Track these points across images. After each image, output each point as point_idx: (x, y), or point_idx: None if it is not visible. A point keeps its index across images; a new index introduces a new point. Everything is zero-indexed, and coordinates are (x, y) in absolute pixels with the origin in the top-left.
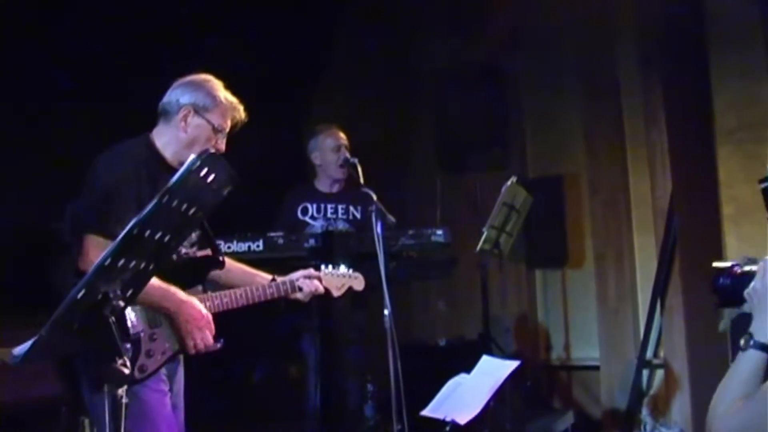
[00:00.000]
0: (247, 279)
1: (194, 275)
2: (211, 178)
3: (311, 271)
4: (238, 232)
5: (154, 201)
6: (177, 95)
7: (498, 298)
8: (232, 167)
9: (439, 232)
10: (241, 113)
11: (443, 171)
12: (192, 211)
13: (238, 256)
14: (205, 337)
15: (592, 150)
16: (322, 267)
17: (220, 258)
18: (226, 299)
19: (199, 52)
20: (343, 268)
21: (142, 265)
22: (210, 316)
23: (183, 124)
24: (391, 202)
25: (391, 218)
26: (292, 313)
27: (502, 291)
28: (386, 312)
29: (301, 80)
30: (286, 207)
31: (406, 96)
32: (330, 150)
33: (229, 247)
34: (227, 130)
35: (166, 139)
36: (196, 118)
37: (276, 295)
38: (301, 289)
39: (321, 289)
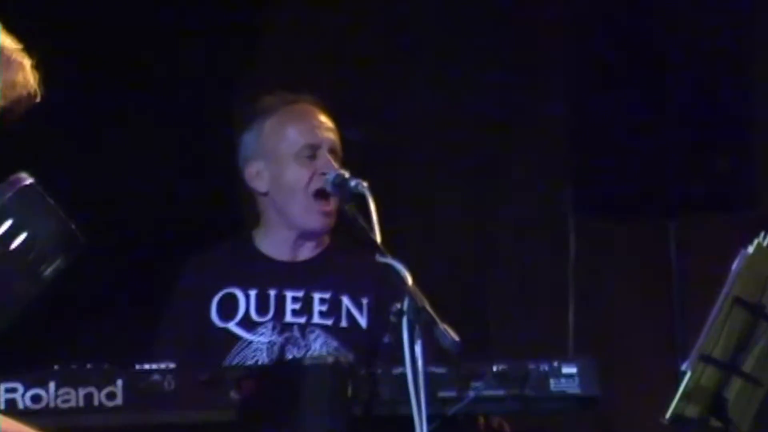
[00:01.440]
0: None
1: None
2: (17, 243)
3: None
4: (61, 363)
5: None
6: None
7: None
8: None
9: (571, 369)
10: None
11: (579, 212)
12: None
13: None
14: None
15: None
16: None
17: None
18: None
19: None
20: None
21: None
22: None
23: None
24: (444, 288)
25: (448, 333)
26: None
27: None
28: None
29: None
30: (180, 298)
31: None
32: (292, 156)
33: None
34: None
35: None
36: None
37: None
38: None
39: None
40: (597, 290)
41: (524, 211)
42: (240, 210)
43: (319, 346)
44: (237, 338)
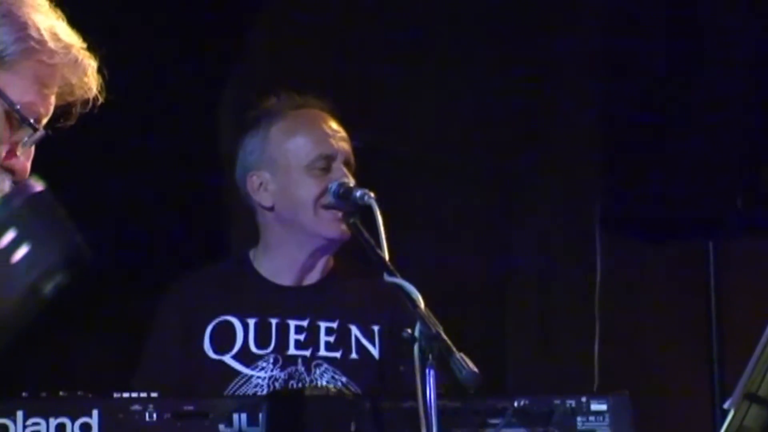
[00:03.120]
0: None
1: None
2: (19, 256)
3: None
4: (29, 390)
5: None
6: None
7: None
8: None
9: (602, 406)
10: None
11: (607, 230)
12: None
13: None
14: None
15: None
16: None
17: None
18: None
19: None
20: None
21: None
22: None
23: None
24: (457, 311)
25: (465, 362)
26: None
27: None
28: None
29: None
30: (165, 325)
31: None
32: (304, 168)
33: None
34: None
35: None
36: None
37: None
38: None
39: None
40: (626, 317)
41: (548, 228)
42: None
43: (325, 382)
44: (234, 373)
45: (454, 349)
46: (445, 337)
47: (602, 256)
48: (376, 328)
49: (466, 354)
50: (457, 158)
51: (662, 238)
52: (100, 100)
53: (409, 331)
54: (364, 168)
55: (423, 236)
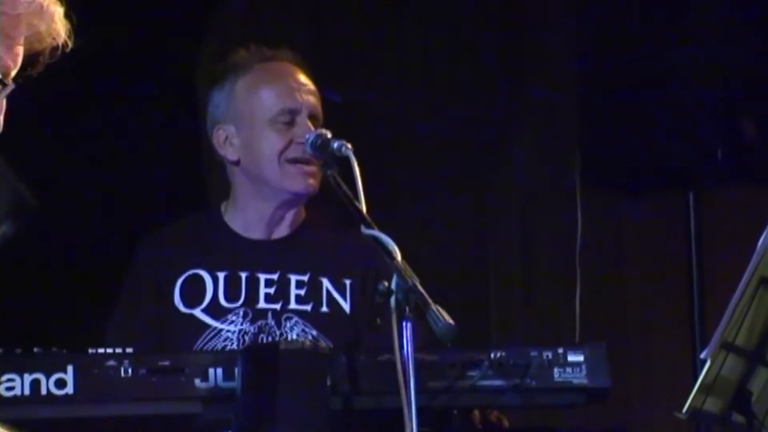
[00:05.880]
0: None
1: None
2: None
3: None
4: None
5: None
6: None
7: None
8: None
9: (578, 357)
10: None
11: (587, 184)
12: None
13: None
14: None
15: None
16: None
17: None
18: None
19: None
20: None
21: None
22: None
23: None
24: (441, 270)
25: (441, 315)
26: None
27: None
28: None
29: None
30: (137, 279)
31: None
32: (268, 121)
33: None
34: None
35: None
36: None
37: None
38: None
39: None
40: (607, 271)
41: (529, 183)
42: (204, 180)
43: (296, 336)
44: (204, 326)
45: (431, 301)
46: (421, 289)
47: (583, 210)
48: (348, 281)
49: (450, 311)
50: (437, 116)
51: (643, 191)
52: (70, 45)
53: (386, 283)
54: (343, 123)
55: (403, 194)
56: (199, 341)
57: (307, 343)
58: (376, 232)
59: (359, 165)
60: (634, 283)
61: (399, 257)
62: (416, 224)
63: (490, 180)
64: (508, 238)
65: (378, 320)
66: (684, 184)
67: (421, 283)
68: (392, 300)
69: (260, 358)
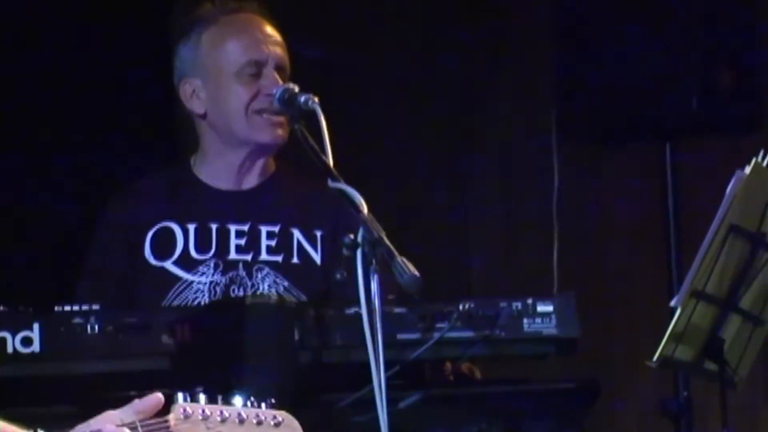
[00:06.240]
0: None
1: None
2: None
3: (148, 403)
4: None
5: None
6: None
7: None
8: None
9: (547, 307)
10: None
11: (564, 135)
12: None
13: None
14: None
15: None
16: (180, 398)
17: None
18: None
19: None
20: (239, 401)
21: None
22: None
23: None
24: (411, 223)
25: (407, 267)
26: None
27: None
28: None
29: None
30: (106, 232)
31: None
32: (233, 74)
33: None
34: None
35: None
36: None
37: None
38: None
39: None
40: (584, 223)
41: (507, 137)
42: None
43: (267, 287)
44: (175, 279)
45: (396, 253)
46: (387, 241)
47: (559, 162)
48: (318, 233)
49: (430, 265)
50: (415, 70)
51: (619, 142)
52: None
53: (351, 236)
54: (320, 80)
55: (383, 148)
56: (170, 294)
57: (274, 296)
58: (343, 185)
59: (329, 119)
60: (612, 235)
61: (365, 210)
62: (395, 178)
63: (468, 134)
64: (488, 193)
65: (339, 275)
66: (660, 134)
67: (399, 237)
68: (358, 252)
69: (228, 314)
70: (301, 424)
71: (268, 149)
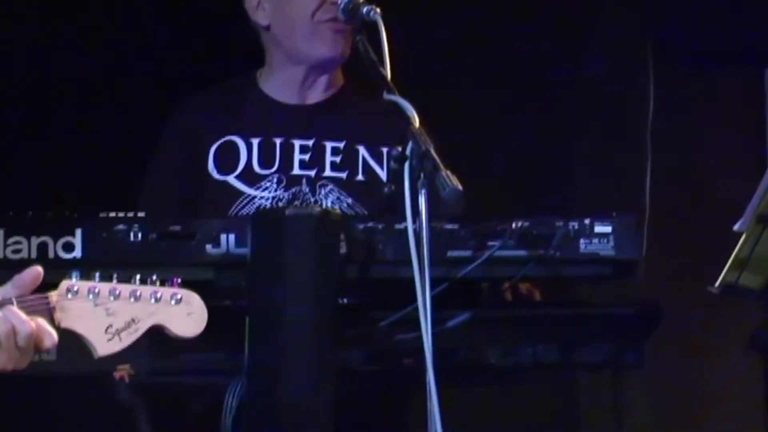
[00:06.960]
0: None
1: None
2: None
3: (25, 277)
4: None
5: None
6: None
7: None
8: None
9: (606, 228)
10: None
11: (659, 58)
12: None
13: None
14: None
15: None
16: (73, 276)
17: None
18: None
19: None
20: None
21: None
22: None
23: None
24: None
25: (450, 180)
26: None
27: None
28: None
29: None
30: (170, 144)
31: None
32: None
33: None
34: None
35: None
36: None
37: None
38: None
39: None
40: (678, 149)
41: (602, 59)
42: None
43: (330, 203)
44: (237, 193)
45: (442, 166)
46: (434, 154)
47: (655, 85)
48: (385, 149)
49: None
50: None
51: (717, 66)
52: None
53: (399, 149)
54: None
55: (455, 76)
56: (233, 208)
57: (316, 208)
58: (396, 97)
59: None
60: (705, 162)
61: (416, 123)
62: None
63: (563, 60)
64: (582, 114)
65: (387, 188)
66: (758, 60)
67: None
68: (406, 165)
69: (269, 225)
70: (344, 342)
71: (329, 65)
